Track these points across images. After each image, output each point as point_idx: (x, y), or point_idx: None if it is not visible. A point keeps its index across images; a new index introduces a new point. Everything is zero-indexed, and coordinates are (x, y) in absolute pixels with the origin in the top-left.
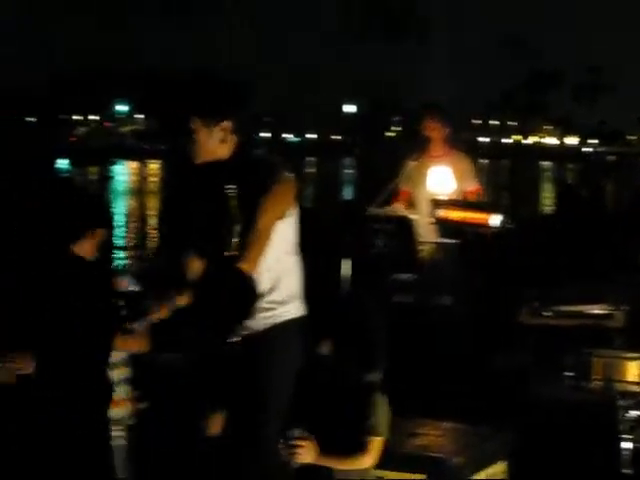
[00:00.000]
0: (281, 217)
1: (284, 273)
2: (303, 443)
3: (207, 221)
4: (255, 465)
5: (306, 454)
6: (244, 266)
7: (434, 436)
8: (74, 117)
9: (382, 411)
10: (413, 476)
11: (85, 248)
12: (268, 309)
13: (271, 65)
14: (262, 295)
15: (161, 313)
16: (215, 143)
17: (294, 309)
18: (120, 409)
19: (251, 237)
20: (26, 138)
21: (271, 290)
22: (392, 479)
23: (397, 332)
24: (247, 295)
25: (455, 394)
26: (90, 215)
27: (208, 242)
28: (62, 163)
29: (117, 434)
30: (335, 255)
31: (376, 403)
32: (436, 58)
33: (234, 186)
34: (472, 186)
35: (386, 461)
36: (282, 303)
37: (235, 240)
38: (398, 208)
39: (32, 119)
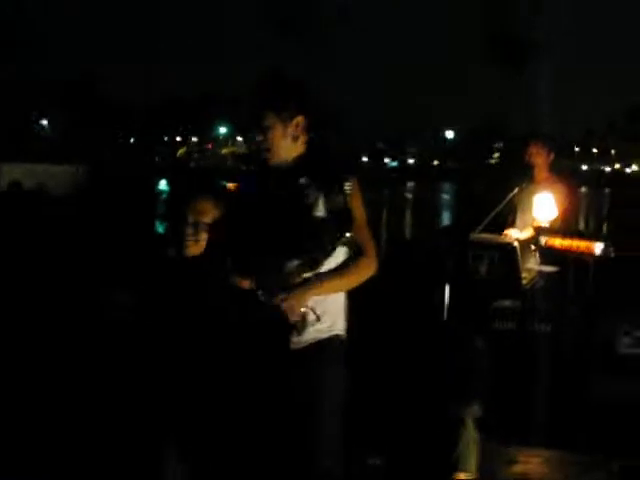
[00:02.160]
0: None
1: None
2: None
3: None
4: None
5: None
6: (371, 263)
7: (535, 464)
8: (177, 138)
9: (470, 446)
10: None
11: None
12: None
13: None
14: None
15: None
16: (288, 140)
17: (341, 326)
18: None
19: (362, 231)
20: (128, 158)
21: (318, 302)
22: None
23: (499, 358)
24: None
25: (556, 422)
26: None
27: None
28: (162, 183)
29: None
30: (435, 281)
31: (465, 437)
32: (538, 87)
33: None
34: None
35: None
36: (329, 319)
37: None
38: (511, 234)
39: (132, 140)
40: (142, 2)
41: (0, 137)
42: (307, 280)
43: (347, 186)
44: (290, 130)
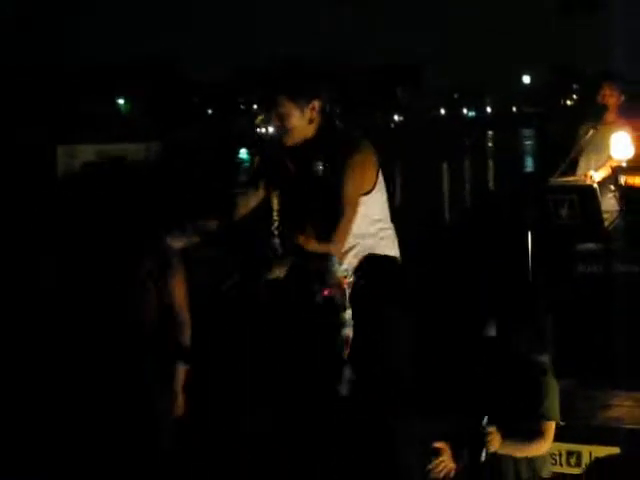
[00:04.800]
0: (365, 190)
1: (371, 249)
2: (493, 432)
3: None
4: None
5: (495, 443)
6: (331, 247)
7: (628, 407)
8: (254, 106)
9: (554, 394)
10: (607, 448)
11: None
12: None
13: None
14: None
15: None
16: (305, 124)
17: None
18: None
19: (338, 216)
20: (208, 129)
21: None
22: (585, 452)
23: (583, 301)
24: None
25: None
26: None
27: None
28: (242, 152)
29: None
30: (518, 228)
31: (547, 385)
32: (614, 26)
33: (323, 163)
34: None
35: (579, 434)
36: None
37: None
38: (591, 175)
39: (210, 110)
40: None
41: (74, 119)
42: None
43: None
44: (307, 114)
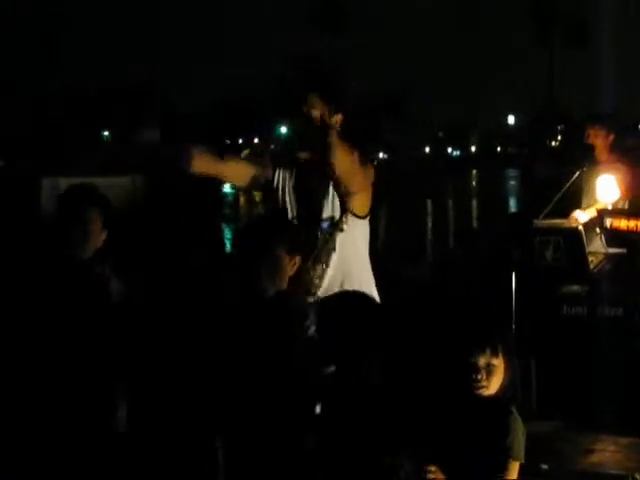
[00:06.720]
0: (363, 212)
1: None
2: (433, 471)
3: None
4: None
5: None
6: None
7: (611, 452)
8: (239, 141)
9: (518, 434)
10: None
11: None
12: None
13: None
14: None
15: None
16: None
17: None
18: None
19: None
20: None
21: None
22: None
23: (568, 344)
24: None
25: (633, 409)
26: None
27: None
28: (225, 186)
29: None
30: (504, 269)
31: (512, 425)
32: (600, 66)
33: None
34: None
35: (562, 478)
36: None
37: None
38: (576, 216)
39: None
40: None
41: (58, 150)
42: None
43: None
44: (331, 125)
